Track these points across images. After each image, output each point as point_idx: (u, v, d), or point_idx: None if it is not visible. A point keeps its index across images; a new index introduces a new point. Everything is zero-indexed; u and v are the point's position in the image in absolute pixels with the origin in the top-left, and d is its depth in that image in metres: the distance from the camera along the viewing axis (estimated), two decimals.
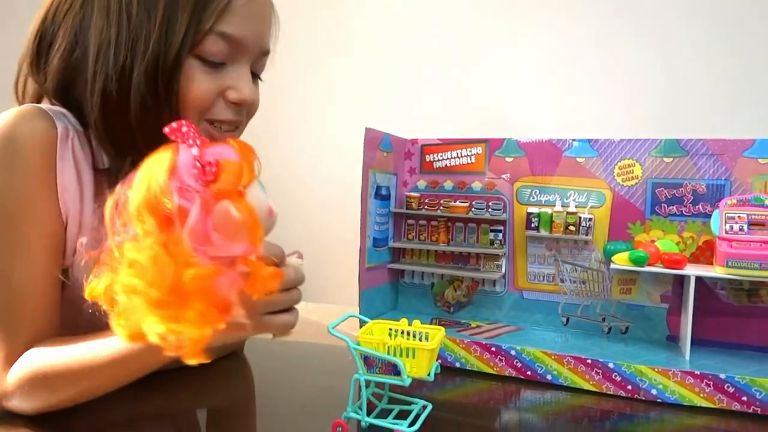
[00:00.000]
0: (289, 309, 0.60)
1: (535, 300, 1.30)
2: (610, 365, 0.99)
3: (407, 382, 0.77)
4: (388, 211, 1.33)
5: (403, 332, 0.83)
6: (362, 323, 0.84)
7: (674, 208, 1.15)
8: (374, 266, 1.26)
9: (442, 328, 0.84)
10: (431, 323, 1.32)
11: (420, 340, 0.81)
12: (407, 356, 0.75)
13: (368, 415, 0.75)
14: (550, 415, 0.89)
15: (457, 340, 1.12)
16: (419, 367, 0.74)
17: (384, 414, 0.78)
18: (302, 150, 2.30)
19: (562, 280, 1.27)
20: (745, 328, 1.05)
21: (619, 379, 1.00)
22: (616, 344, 1.13)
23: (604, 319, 1.22)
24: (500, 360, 1.07)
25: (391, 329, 0.84)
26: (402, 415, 0.77)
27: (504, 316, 1.31)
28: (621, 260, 1.11)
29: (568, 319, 1.27)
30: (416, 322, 0.85)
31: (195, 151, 0.45)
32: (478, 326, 1.25)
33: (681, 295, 1.13)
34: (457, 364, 1.10)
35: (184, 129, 0.45)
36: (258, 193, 0.49)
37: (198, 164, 0.44)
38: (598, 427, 0.85)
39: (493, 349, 1.09)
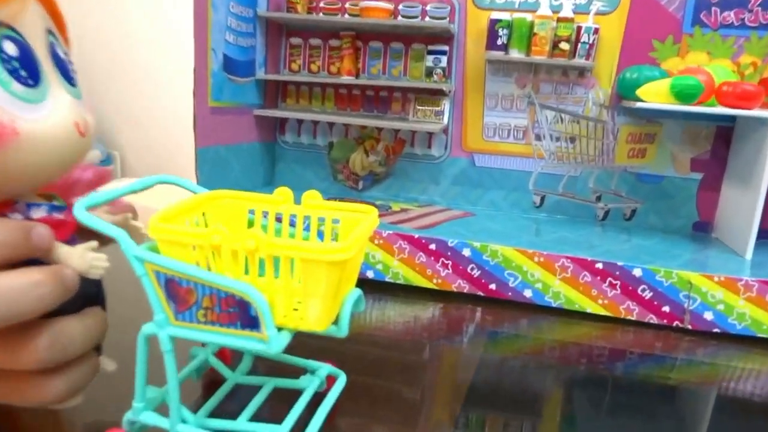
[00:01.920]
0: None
1: (492, 169, 1.01)
2: (636, 272, 0.71)
3: (275, 347, 0.35)
4: (254, 14, 0.97)
5: (270, 216, 0.45)
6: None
7: (731, 15, 0.84)
8: (227, 107, 0.88)
9: (372, 209, 0.43)
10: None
11: (316, 237, 0.43)
12: (277, 277, 0.36)
13: (195, 411, 0.40)
14: (536, 367, 0.60)
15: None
16: (312, 304, 0.36)
17: (231, 407, 0.42)
18: None
19: (538, 137, 0.97)
20: None
21: (649, 295, 0.70)
22: (620, 236, 0.88)
23: (599, 198, 0.97)
24: (444, 266, 0.76)
25: (251, 213, 0.45)
26: (278, 406, 0.42)
27: (443, 195, 1.04)
28: (653, 94, 0.79)
29: (542, 199, 1.00)
30: (311, 195, 0.45)
31: None
32: (404, 210, 0.95)
33: (726, 159, 0.90)
34: (370, 274, 0.79)
35: None
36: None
37: None
38: (621, 386, 0.57)
39: (433, 247, 0.76)
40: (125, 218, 0.42)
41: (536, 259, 0.73)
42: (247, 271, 0.35)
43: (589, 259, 0.71)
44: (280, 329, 0.35)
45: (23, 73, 0.33)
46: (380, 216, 0.89)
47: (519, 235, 0.82)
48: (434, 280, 0.76)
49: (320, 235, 0.44)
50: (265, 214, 0.44)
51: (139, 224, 0.44)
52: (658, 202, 0.94)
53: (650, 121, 0.91)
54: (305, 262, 0.34)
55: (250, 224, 0.44)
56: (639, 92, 0.79)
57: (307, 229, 0.44)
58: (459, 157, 1.00)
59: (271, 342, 0.34)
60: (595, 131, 0.94)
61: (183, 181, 0.46)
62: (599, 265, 0.71)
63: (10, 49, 0.33)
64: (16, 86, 0.33)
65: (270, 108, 1.03)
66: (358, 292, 0.39)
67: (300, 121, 1.06)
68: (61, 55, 0.37)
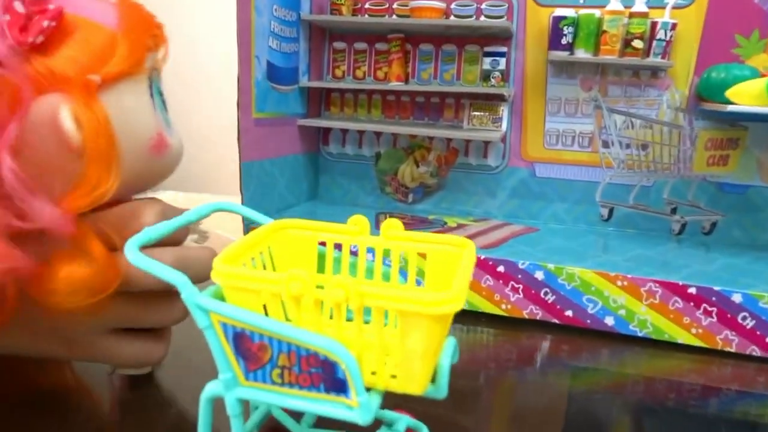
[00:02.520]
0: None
1: (554, 179, 0.94)
2: (735, 298, 0.64)
3: (366, 416, 0.29)
4: (297, 17, 0.92)
5: (344, 249, 0.39)
6: (248, 227, 0.55)
7: None
8: (271, 118, 0.84)
9: (468, 242, 0.37)
10: (377, 218, 0.93)
11: (414, 281, 0.39)
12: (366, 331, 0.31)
13: None
14: (621, 404, 0.54)
15: None
16: (410, 363, 0.30)
17: None
18: None
19: (605, 144, 0.90)
20: None
21: (750, 324, 0.63)
22: (703, 253, 0.81)
23: (674, 210, 0.90)
24: (515, 291, 0.70)
25: (321, 245, 0.40)
26: None
27: (500, 208, 0.98)
28: (746, 96, 0.72)
29: (611, 212, 0.93)
30: (391, 225, 0.39)
31: None
32: (461, 226, 0.90)
33: None
34: None
35: None
36: (139, 103, 0.41)
37: (18, 8, 0.34)
38: (717, 428, 0.50)
39: (501, 269, 0.71)
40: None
41: (619, 283, 0.66)
42: (330, 315, 0.30)
43: (681, 283, 0.64)
44: (368, 389, 0.30)
45: (160, 101, 0.45)
46: (435, 232, 0.83)
47: (591, 254, 0.76)
48: (503, 306, 0.70)
49: (402, 273, 0.39)
50: (340, 246, 0.39)
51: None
52: (742, 214, 0.86)
53: (733, 126, 0.84)
54: (405, 314, 0.28)
55: (321, 258, 0.39)
56: (729, 94, 0.72)
57: (387, 264, 0.38)
58: (518, 167, 0.94)
59: (362, 409, 0.29)
60: (670, 137, 0.87)
61: (241, 208, 0.41)
62: (692, 290, 0.64)
63: (157, 85, 0.44)
64: (161, 112, 0.44)
65: (313, 117, 0.98)
66: (453, 342, 0.34)
67: (344, 131, 1.01)
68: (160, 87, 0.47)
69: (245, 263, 0.34)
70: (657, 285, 0.66)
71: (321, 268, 0.39)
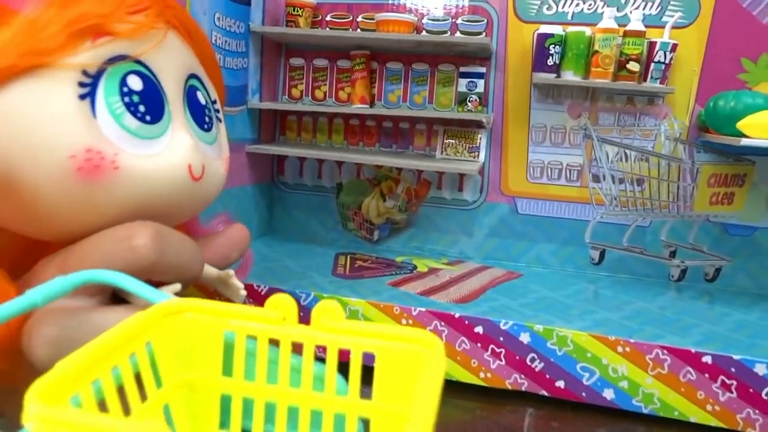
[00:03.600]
0: None
1: (539, 217, 0.87)
2: (759, 369, 0.55)
3: None
4: (246, 28, 0.83)
5: (261, 341, 0.29)
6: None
7: None
8: None
9: (433, 339, 0.27)
10: (336, 260, 0.83)
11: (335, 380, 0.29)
12: None
13: None
14: None
15: (393, 308, 0.64)
16: None
17: None
18: None
19: (596, 179, 0.83)
20: None
21: None
22: (710, 305, 0.73)
23: (673, 254, 0.83)
24: (495, 356, 0.61)
25: (228, 334, 0.30)
26: None
27: (478, 249, 0.89)
28: (762, 128, 0.64)
29: (602, 254, 0.85)
30: (326, 310, 0.28)
31: None
32: (433, 271, 0.80)
33: None
34: None
35: None
36: (49, 110, 0.33)
37: None
38: None
39: (479, 330, 0.62)
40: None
41: (620, 348, 0.57)
42: None
43: (693, 350, 0.56)
44: None
45: (142, 108, 0.35)
46: (405, 281, 0.75)
47: (583, 307, 0.67)
48: (481, 374, 0.61)
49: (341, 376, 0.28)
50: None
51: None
52: (749, 259, 0.80)
53: (739, 160, 0.76)
54: None
55: (228, 350, 0.28)
56: (742, 126, 0.64)
57: (320, 360, 0.28)
58: (498, 203, 0.86)
59: None
60: (668, 171, 0.80)
61: (120, 279, 0.30)
62: (707, 359, 0.55)
63: (135, 83, 0.35)
64: (129, 120, 0.34)
65: (266, 143, 0.89)
66: None
67: (302, 159, 0.91)
68: (201, 100, 0.41)
69: (101, 378, 0.23)
70: (665, 352, 0.56)
71: (227, 368, 0.28)
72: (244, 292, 0.46)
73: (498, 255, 0.87)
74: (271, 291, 0.65)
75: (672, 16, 0.75)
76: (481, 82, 0.83)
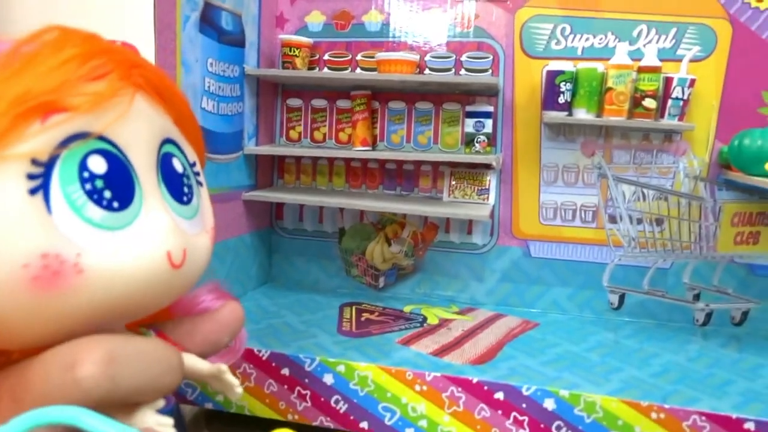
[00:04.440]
0: None
1: (553, 260, 0.83)
2: None
3: None
4: (241, 72, 0.80)
5: None
6: None
7: None
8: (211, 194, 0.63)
9: None
10: (341, 313, 0.79)
11: None
12: None
13: None
14: None
15: (406, 373, 0.60)
16: None
17: None
18: None
19: (612, 219, 0.80)
20: None
21: None
22: (741, 354, 0.69)
23: (697, 297, 0.79)
24: (518, 424, 0.57)
25: None
26: None
27: (490, 295, 0.85)
28: None
29: (621, 298, 0.81)
30: None
31: None
32: (444, 323, 0.76)
33: None
34: None
35: None
36: None
37: None
38: None
39: (500, 396, 0.58)
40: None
41: (654, 415, 0.53)
42: None
43: (734, 416, 0.51)
44: None
45: (107, 194, 0.31)
46: (415, 337, 0.71)
47: (608, 363, 0.63)
48: None
49: None
50: None
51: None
52: None
53: (764, 198, 0.73)
54: None
55: None
56: None
57: None
58: (509, 246, 0.83)
59: None
60: (689, 211, 0.77)
61: (78, 415, 0.27)
62: (750, 425, 0.51)
63: (97, 165, 0.31)
64: (93, 211, 0.31)
65: (264, 188, 0.85)
66: None
67: (300, 207, 0.88)
68: (178, 168, 0.37)
69: None
70: (704, 418, 0.53)
71: None
72: (239, 390, 0.42)
73: (511, 301, 0.83)
74: (273, 356, 0.61)
75: (688, 49, 0.73)
76: (489, 122, 0.80)
